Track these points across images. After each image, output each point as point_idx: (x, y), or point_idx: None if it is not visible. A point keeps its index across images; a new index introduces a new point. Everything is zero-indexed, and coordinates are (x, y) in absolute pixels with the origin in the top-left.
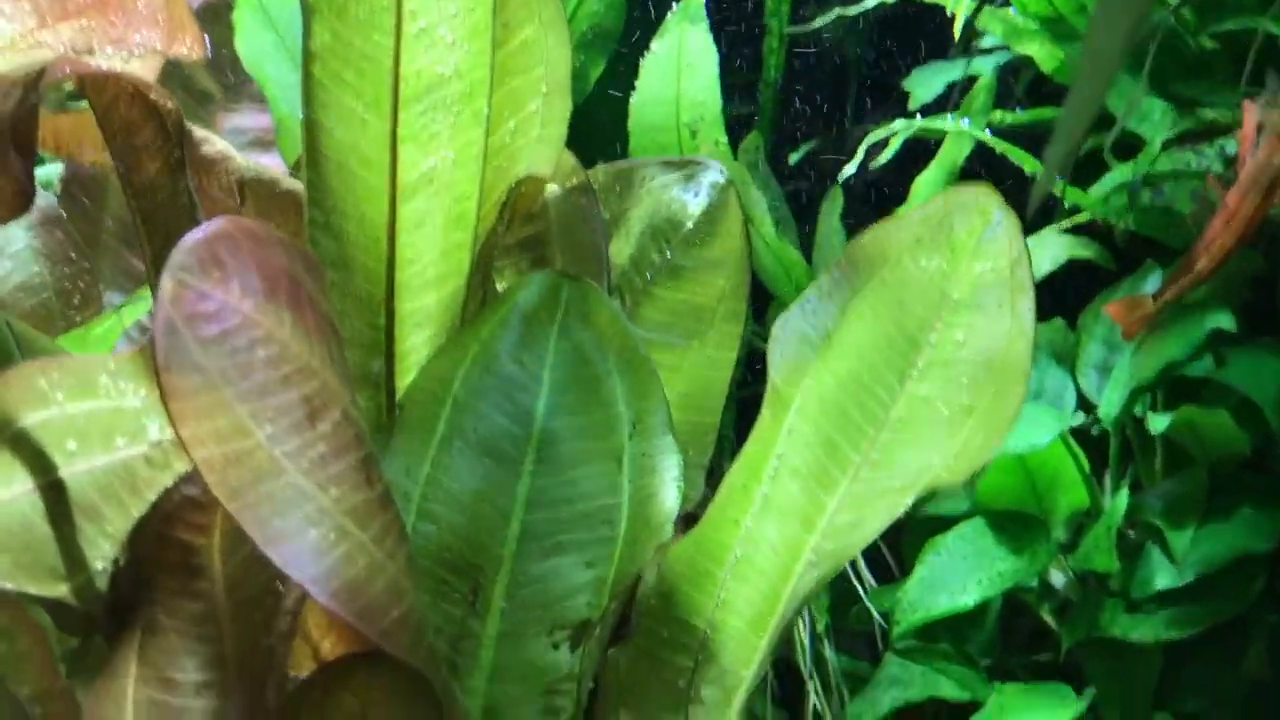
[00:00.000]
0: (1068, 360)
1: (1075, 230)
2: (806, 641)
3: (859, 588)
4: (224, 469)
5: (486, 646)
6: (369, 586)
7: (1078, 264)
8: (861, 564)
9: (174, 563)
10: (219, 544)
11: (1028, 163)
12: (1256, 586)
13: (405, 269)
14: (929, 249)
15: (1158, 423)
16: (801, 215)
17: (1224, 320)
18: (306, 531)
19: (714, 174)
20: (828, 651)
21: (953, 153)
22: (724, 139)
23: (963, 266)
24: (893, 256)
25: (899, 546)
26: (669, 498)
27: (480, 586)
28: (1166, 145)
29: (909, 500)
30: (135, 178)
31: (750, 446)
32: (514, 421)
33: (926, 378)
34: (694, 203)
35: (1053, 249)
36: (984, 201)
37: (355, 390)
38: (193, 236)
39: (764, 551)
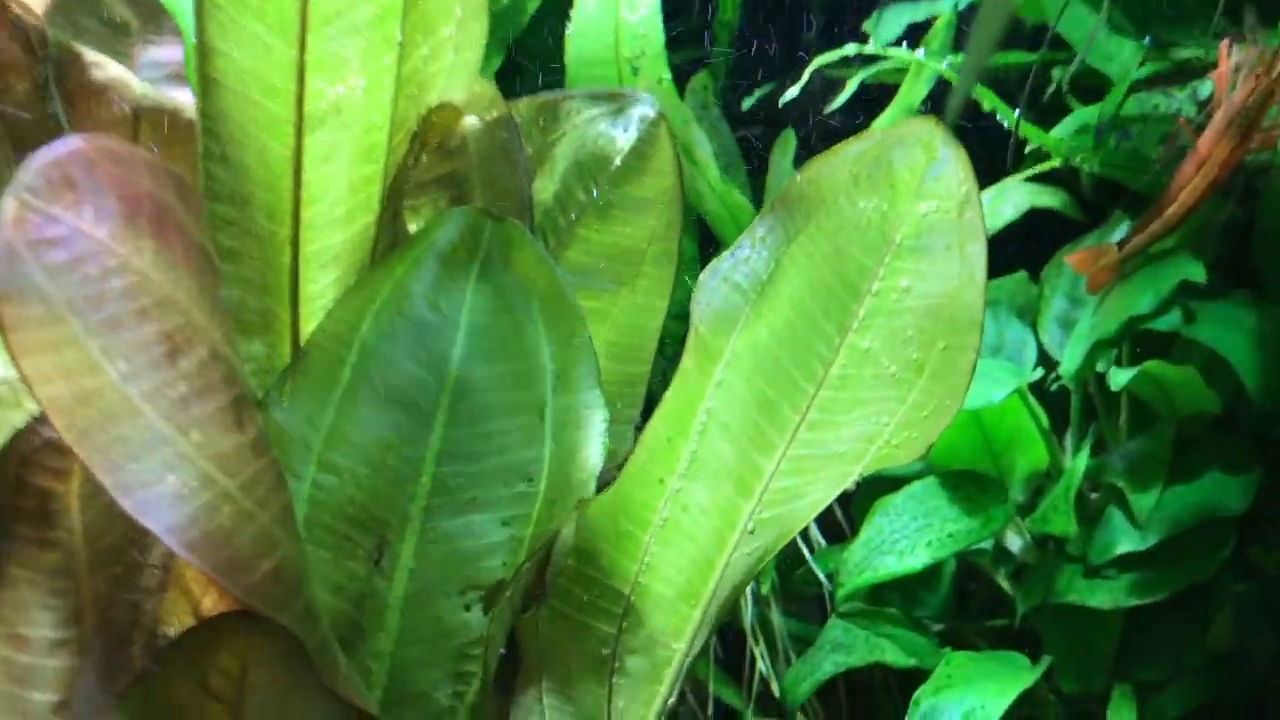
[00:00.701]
0: (1029, 315)
1: (1039, 179)
2: (750, 603)
3: (804, 549)
4: (72, 408)
5: (393, 607)
6: (234, 537)
7: (1041, 214)
8: (811, 524)
9: (29, 510)
10: (77, 490)
11: (989, 100)
12: (1223, 552)
13: (310, 205)
14: (868, 189)
15: (1119, 377)
16: (757, 163)
17: (1193, 271)
18: (164, 477)
19: (644, 107)
20: (774, 614)
21: (910, 93)
22: (668, 75)
23: (905, 207)
24: (829, 198)
25: (849, 506)
26: (593, 454)
27: (387, 544)
28: (1136, 87)
29: (857, 470)
30: (4, 98)
31: (673, 397)
32: (426, 369)
33: (869, 329)
34: (623, 138)
35: (1014, 197)
36: (927, 135)
37: (258, 333)
38: (43, 155)
39: (692, 515)
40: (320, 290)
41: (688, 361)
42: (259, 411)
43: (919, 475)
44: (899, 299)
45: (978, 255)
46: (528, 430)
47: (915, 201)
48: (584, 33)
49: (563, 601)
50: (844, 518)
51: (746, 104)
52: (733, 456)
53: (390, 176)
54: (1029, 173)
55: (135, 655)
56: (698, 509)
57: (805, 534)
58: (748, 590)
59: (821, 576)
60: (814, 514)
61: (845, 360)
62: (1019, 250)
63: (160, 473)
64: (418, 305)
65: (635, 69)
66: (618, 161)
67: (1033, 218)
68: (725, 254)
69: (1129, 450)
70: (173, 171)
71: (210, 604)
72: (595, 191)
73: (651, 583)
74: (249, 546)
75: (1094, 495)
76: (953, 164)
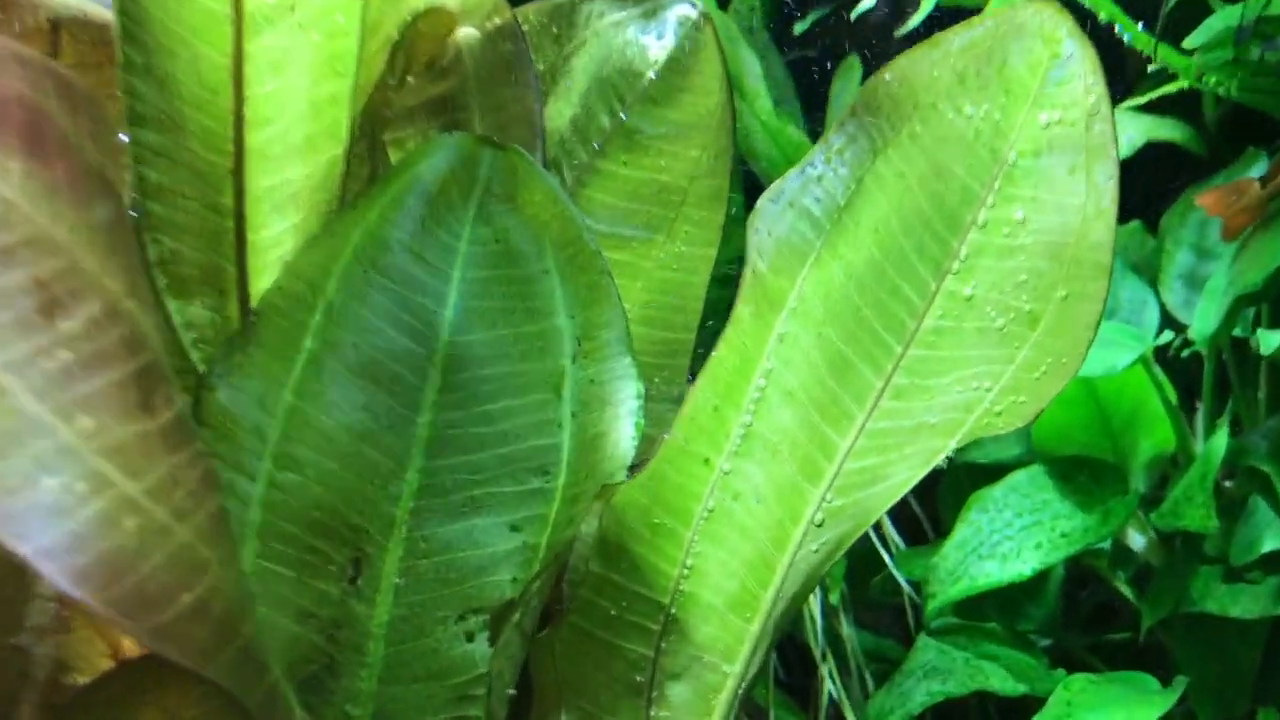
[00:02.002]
0: (1148, 270)
1: (1156, 107)
2: (818, 614)
3: (882, 551)
4: None
5: (376, 637)
6: (140, 562)
7: (1158, 151)
8: (885, 520)
9: None
10: None
11: (1105, 9)
12: None
13: (259, 129)
14: (976, 91)
15: (1269, 341)
16: (810, 97)
17: None
18: (36, 480)
19: (683, 7)
20: (845, 628)
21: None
22: None
23: (1021, 116)
24: (926, 101)
25: (933, 500)
26: (624, 440)
27: (366, 557)
28: None
29: (950, 445)
30: None
31: (724, 355)
32: (411, 336)
33: (973, 272)
34: (656, 47)
35: (1128, 129)
36: (1050, 24)
37: (198, 293)
38: None
39: (746, 504)
40: (275, 238)
41: (742, 309)
42: (178, 388)
43: (1020, 463)
44: (1011, 234)
45: (1108, 181)
46: (541, 411)
47: (1034, 109)
48: None
49: (585, 617)
50: (922, 511)
51: (800, 27)
52: (798, 430)
53: (364, 97)
54: (1142, 99)
55: (25, 717)
56: (753, 496)
57: (879, 531)
58: (813, 599)
59: (904, 583)
60: (894, 500)
61: (942, 310)
62: (1132, 195)
63: (31, 474)
64: (398, 256)
65: None
66: (650, 76)
67: (1148, 156)
68: (792, 172)
69: (1273, 428)
70: (63, 73)
71: (133, 643)
72: (623, 115)
73: (696, 590)
74: (160, 574)
75: (1230, 484)
76: (1080, 62)
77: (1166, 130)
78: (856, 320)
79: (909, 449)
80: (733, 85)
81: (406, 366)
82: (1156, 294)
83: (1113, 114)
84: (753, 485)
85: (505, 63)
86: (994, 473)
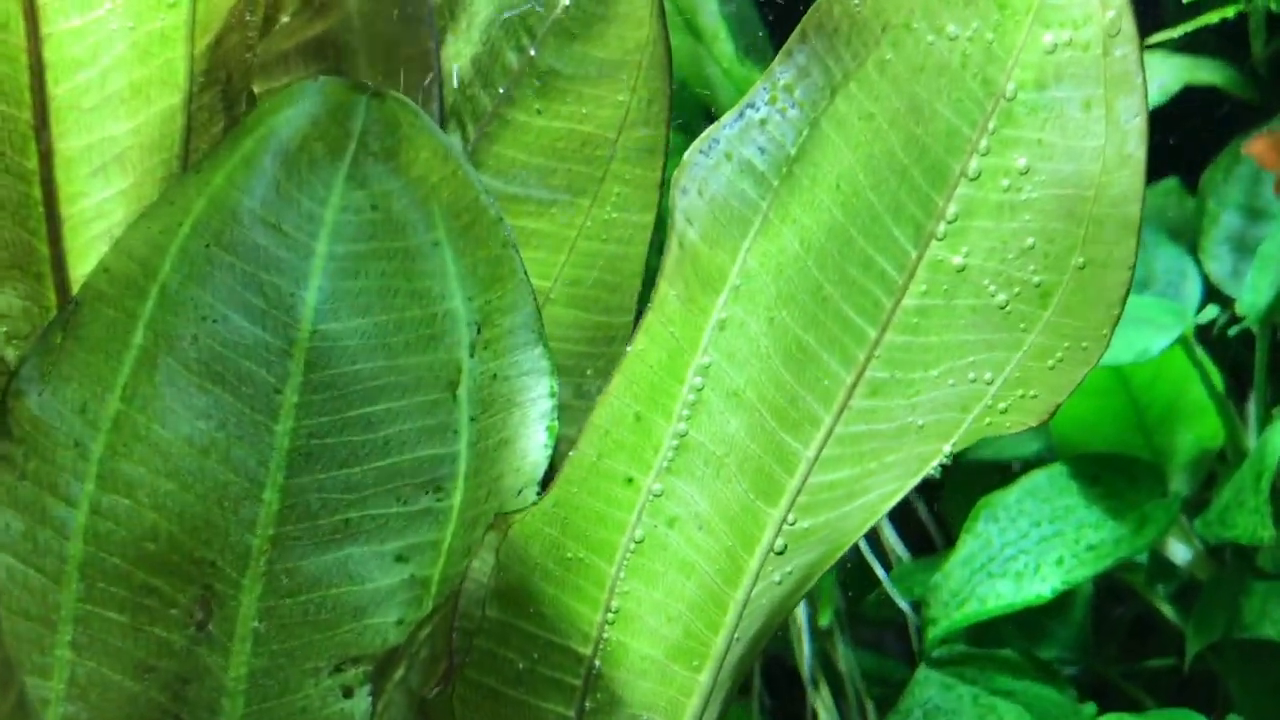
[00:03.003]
0: (1187, 236)
1: (1195, 46)
2: (806, 636)
3: (876, 566)
4: None
5: (232, 694)
6: None
7: (1198, 97)
8: (884, 525)
9: None
10: None
11: None
12: None
13: (65, 75)
14: (960, 6)
15: None
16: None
17: None
18: None
19: None
20: (840, 648)
21: None
22: None
23: (1020, 36)
24: (896, 21)
25: (938, 503)
26: (534, 447)
27: (217, 598)
28: None
29: (945, 449)
30: None
31: (644, 348)
32: (265, 325)
33: (964, 236)
34: None
35: (1160, 73)
36: None
37: (6, 278)
38: None
39: (686, 531)
40: (97, 209)
41: (667, 289)
42: None
43: (1039, 461)
44: (1012, 187)
45: (1134, 118)
46: (431, 414)
47: (1037, 28)
48: None
49: (487, 672)
50: (929, 515)
51: None
52: (748, 439)
53: (209, 34)
54: (1175, 33)
55: None
56: (693, 522)
57: (876, 538)
58: (800, 616)
59: (903, 605)
60: (875, 519)
61: (927, 284)
62: (1167, 148)
63: None
64: (249, 229)
65: None
66: (565, 3)
67: (1185, 102)
68: (728, 115)
69: None
70: None
71: None
72: (533, 51)
73: (626, 638)
74: None
75: None
76: None
77: (1206, 72)
78: (818, 300)
79: (891, 457)
80: (665, 15)
81: (260, 363)
82: (1198, 263)
83: (1139, 36)
84: (692, 509)
85: None
86: (1009, 472)
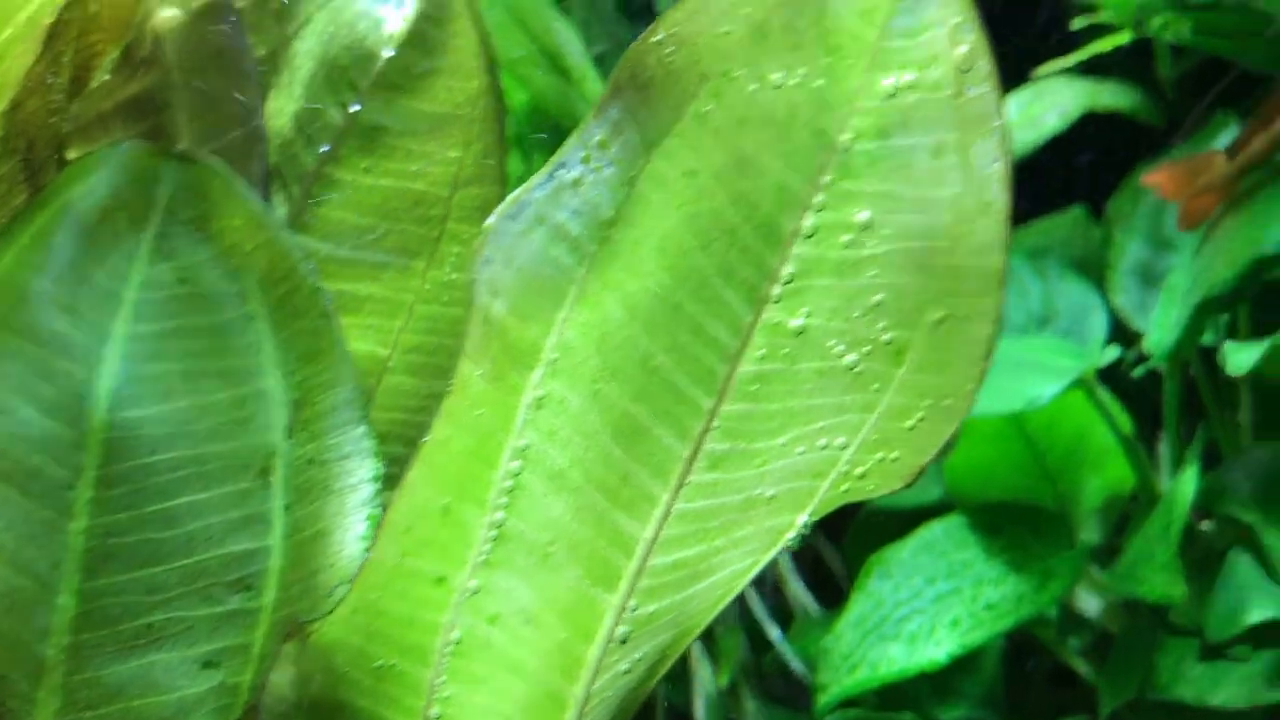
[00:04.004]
0: (1094, 267)
1: (1099, 69)
2: (702, 695)
3: (769, 628)
4: None
5: None
6: None
7: (1103, 122)
8: (790, 577)
9: None
10: None
11: None
12: None
13: None
14: (784, 52)
15: (1241, 356)
16: None
17: None
18: None
19: None
20: (749, 705)
21: None
22: None
23: (856, 82)
24: (715, 70)
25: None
26: (350, 540)
27: (10, 715)
28: None
29: (800, 520)
30: None
31: (446, 435)
32: (55, 415)
33: (802, 296)
34: (395, 17)
35: (1060, 98)
36: None
37: None
38: None
39: (511, 627)
40: None
41: (470, 370)
42: None
43: (939, 507)
44: (854, 242)
45: (993, 163)
46: (242, 504)
47: (874, 72)
48: None
49: None
50: (841, 561)
51: None
52: (576, 523)
53: (8, 101)
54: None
55: None
56: (519, 617)
57: (778, 590)
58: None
59: (796, 665)
60: (731, 595)
61: (765, 349)
62: (1073, 176)
63: None
64: (40, 311)
65: None
66: (387, 56)
67: (1091, 126)
68: (537, 177)
69: (1259, 461)
70: None
71: None
72: (357, 105)
73: None
74: None
75: (1206, 525)
76: (940, 2)
77: (1109, 96)
78: (647, 370)
79: (740, 531)
80: (496, 66)
81: (50, 457)
82: (1104, 296)
83: (993, 70)
84: (517, 603)
85: (216, 49)
86: (909, 517)
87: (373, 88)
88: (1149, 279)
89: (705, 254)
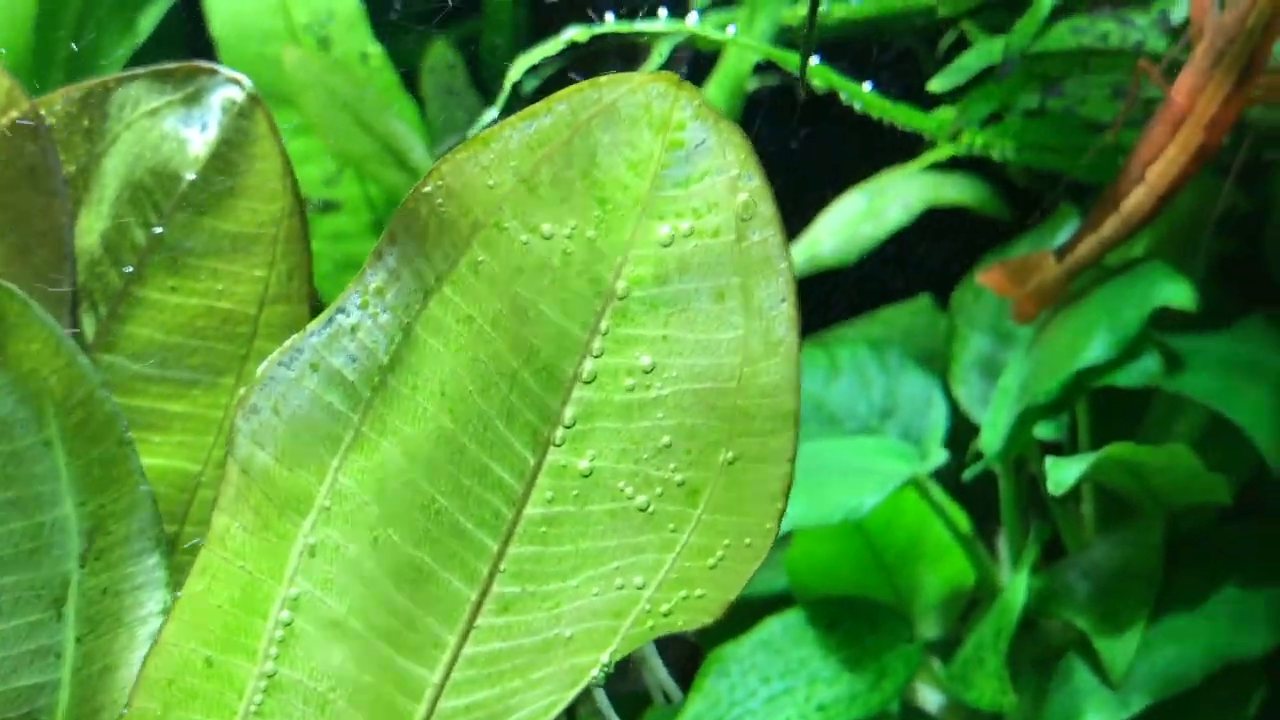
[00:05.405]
0: (938, 358)
1: (954, 164)
2: None
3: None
4: None
5: None
6: None
7: (950, 216)
8: (657, 663)
9: None
10: None
11: (825, 78)
12: (1246, 713)
13: None
14: (554, 204)
15: (1061, 473)
16: None
17: (1174, 293)
18: None
19: (228, 90)
20: None
21: (735, 66)
22: (376, 48)
23: (629, 232)
24: (487, 221)
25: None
26: (136, 675)
27: None
28: (1066, 8)
29: (603, 658)
30: None
31: (204, 589)
32: None
33: (587, 439)
34: (198, 140)
35: (903, 193)
36: (661, 105)
37: None
38: None
39: None
40: None
41: (228, 522)
42: None
43: (784, 599)
44: (638, 386)
45: (779, 303)
46: (32, 637)
47: (648, 221)
48: None
49: None
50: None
51: (529, 85)
52: (359, 670)
53: None
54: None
55: None
56: None
57: (638, 678)
58: None
59: None
60: None
61: (552, 491)
62: (920, 263)
63: None
64: None
65: (324, 40)
66: (190, 178)
67: (940, 216)
68: (316, 323)
69: (1094, 563)
70: None
71: None
72: (160, 227)
73: None
74: None
75: (1048, 624)
76: (717, 152)
77: (953, 190)
78: (430, 515)
79: (538, 672)
80: (298, 186)
81: None
82: (947, 389)
83: (775, 215)
84: None
85: (26, 166)
86: (759, 607)
87: (177, 208)
88: (990, 371)
89: (486, 398)
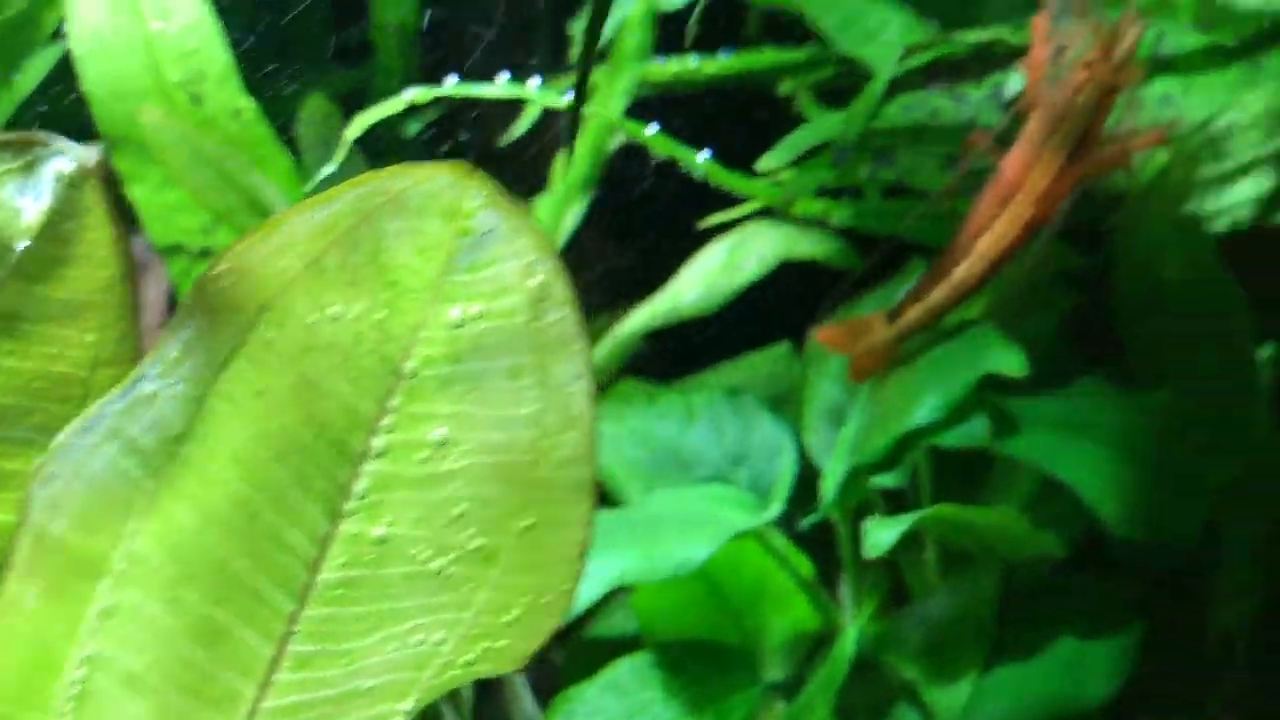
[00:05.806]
0: (794, 405)
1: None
2: None
3: None
4: None
5: None
6: None
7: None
8: (528, 697)
9: None
10: None
11: (662, 146)
12: None
13: None
14: (343, 287)
15: (879, 538)
16: None
17: (1006, 360)
18: None
19: (60, 161)
20: None
21: (596, 136)
22: (249, 103)
23: (419, 315)
24: (276, 300)
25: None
26: None
27: None
28: (905, 83)
29: (407, 705)
30: None
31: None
32: None
33: (381, 509)
34: (31, 209)
35: (758, 246)
36: (451, 195)
37: None
38: None
39: None
40: None
41: (22, 589)
42: None
43: (635, 641)
44: (431, 460)
45: (576, 380)
46: None
47: (439, 305)
48: (100, 54)
49: None
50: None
51: (414, 129)
52: None
53: None
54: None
55: None
56: None
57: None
58: None
59: None
60: None
61: (348, 556)
62: (779, 310)
63: None
64: None
65: (196, 97)
66: (22, 246)
67: (799, 265)
68: (114, 392)
69: (929, 612)
70: None
71: None
72: None
73: None
74: None
75: (888, 670)
76: (509, 239)
77: (807, 244)
78: (225, 575)
79: None
80: (129, 254)
81: None
82: (798, 436)
83: (571, 297)
84: None
85: None
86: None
87: (9, 277)
88: (839, 420)
89: (281, 466)
